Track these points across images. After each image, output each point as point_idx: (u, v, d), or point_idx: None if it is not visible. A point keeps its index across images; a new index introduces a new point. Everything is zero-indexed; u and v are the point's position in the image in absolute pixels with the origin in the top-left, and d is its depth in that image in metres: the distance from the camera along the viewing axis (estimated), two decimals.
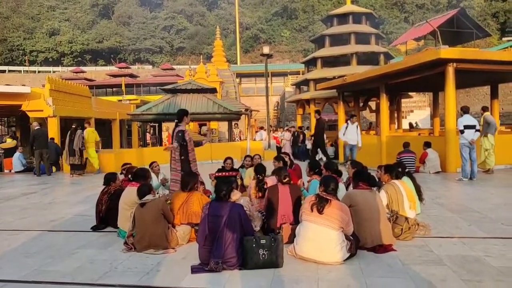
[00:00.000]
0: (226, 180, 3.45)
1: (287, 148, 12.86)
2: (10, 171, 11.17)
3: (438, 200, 5.45)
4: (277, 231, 3.63)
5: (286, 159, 5.39)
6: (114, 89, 37.60)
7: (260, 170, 4.46)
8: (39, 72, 46.50)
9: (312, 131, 14.56)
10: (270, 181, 4.29)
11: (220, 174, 5.57)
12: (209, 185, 5.57)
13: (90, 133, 10.29)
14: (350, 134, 9.46)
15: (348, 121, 9.71)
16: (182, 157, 4.83)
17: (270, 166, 4.92)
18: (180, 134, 4.82)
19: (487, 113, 7.95)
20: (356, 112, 14.23)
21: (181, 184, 4.02)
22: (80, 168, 9.81)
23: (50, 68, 48.14)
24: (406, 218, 3.76)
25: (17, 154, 11.22)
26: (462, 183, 6.95)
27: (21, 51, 51.70)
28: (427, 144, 8.37)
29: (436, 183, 7.09)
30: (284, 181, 3.85)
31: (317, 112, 10.22)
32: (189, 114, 5.11)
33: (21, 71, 47.18)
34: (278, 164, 4.95)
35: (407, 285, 2.68)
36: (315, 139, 10.08)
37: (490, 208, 4.85)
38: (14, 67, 48.57)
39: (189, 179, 3.98)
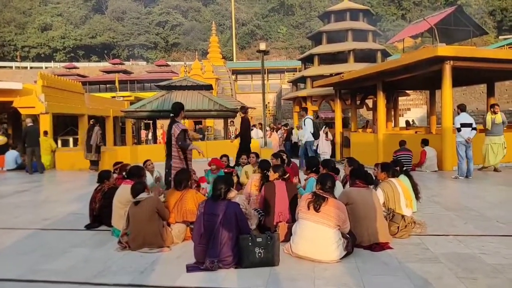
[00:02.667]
0: (224, 178, 3.41)
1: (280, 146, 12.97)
2: (2, 168, 11.01)
3: (434, 198, 5.47)
4: (274, 229, 3.61)
5: (284, 157, 5.38)
6: (107, 85, 37.14)
7: (266, 165, 4.43)
8: (31, 68, 45.78)
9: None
10: (273, 175, 4.27)
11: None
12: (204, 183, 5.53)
13: (44, 142, 10.37)
14: (302, 130, 8.65)
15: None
16: (185, 155, 4.76)
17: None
18: (184, 133, 4.70)
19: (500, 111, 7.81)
20: (353, 110, 14.25)
21: (174, 182, 3.97)
22: (96, 163, 9.78)
23: (42, 64, 47.43)
24: (403, 216, 3.76)
25: (13, 153, 11.06)
26: (458, 181, 6.99)
27: (12, 46, 50.84)
28: (425, 142, 8.37)
29: (433, 181, 7.12)
30: (285, 177, 3.83)
31: (242, 109, 8.51)
32: (184, 109, 4.98)
33: (12, 67, 46.45)
34: (276, 161, 4.94)
35: (404, 283, 2.68)
36: (242, 139, 8.46)
37: (486, 206, 4.88)
38: (5, 62, 47.76)
39: (182, 177, 3.93)
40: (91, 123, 10.01)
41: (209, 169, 5.68)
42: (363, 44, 16.32)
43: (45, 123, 11.27)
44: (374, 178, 4.32)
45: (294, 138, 13.75)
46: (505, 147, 7.62)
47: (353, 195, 3.50)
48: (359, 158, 5.57)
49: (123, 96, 25.45)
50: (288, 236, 3.43)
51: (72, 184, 8.16)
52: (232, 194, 3.32)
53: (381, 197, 3.88)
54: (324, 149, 11.75)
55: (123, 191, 3.90)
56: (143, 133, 20.39)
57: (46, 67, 45.22)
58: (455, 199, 5.56)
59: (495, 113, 7.62)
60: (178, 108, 4.86)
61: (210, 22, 38.92)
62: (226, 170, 5.74)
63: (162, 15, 52.96)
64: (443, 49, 7.87)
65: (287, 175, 3.89)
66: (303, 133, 8.51)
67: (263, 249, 2.99)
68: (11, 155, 11.01)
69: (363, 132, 12.85)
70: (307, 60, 18.29)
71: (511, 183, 6.68)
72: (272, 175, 3.98)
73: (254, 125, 17.66)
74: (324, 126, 12.49)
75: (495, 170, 7.71)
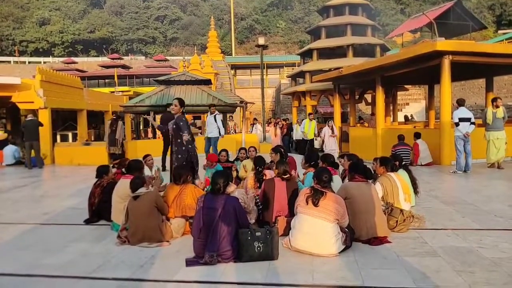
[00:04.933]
0: (222, 172, 3.41)
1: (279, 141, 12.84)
2: (1, 163, 10.99)
3: (433, 192, 5.49)
4: (273, 223, 3.62)
5: (282, 151, 5.38)
6: (106, 80, 36.93)
7: (259, 162, 4.45)
8: (29, 62, 45.47)
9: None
10: (269, 173, 4.29)
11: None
12: (203, 178, 5.53)
13: None
14: (208, 126, 8.79)
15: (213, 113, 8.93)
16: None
17: (266, 158, 4.91)
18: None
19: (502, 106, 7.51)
20: (351, 105, 14.22)
21: (173, 176, 3.97)
22: (120, 157, 9.82)
23: (41, 59, 47.10)
24: (401, 210, 3.77)
25: (12, 148, 11.02)
26: (457, 175, 6.99)
27: (10, 41, 50.45)
28: (417, 135, 8.40)
29: (431, 175, 7.14)
30: (284, 177, 3.81)
31: (168, 105, 8.45)
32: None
33: (10, 61, 46.13)
34: (275, 156, 4.95)
35: (402, 276, 2.70)
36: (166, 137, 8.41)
37: (484, 200, 4.90)
38: (3, 57, 47.43)
39: (181, 172, 3.93)
40: (114, 117, 9.98)
41: (207, 165, 5.67)
42: (362, 38, 16.26)
43: (44, 118, 11.22)
44: (373, 172, 4.33)
45: (296, 136, 13.22)
46: (505, 143, 7.39)
47: (352, 189, 3.51)
48: (358, 152, 5.58)
49: (122, 91, 25.35)
50: (287, 230, 3.44)
51: (71, 179, 8.15)
52: (231, 188, 3.32)
53: (380, 191, 3.89)
54: (331, 146, 10.55)
55: (123, 186, 3.90)
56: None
57: (44, 62, 44.93)
58: (453, 193, 5.58)
59: (497, 107, 7.33)
60: (183, 103, 4.92)
61: (209, 16, 38.63)
62: (225, 165, 5.74)
63: (161, 9, 52.57)
64: (442, 44, 7.84)
65: (287, 175, 3.82)
66: (212, 129, 8.69)
67: (262, 243, 3.00)
68: (10, 150, 10.98)
69: (361, 127, 12.83)
70: (306, 55, 18.24)
71: (509, 177, 6.70)
72: (274, 171, 3.99)
73: (255, 119, 17.65)
74: (329, 120, 11.38)
75: (498, 167, 7.40)
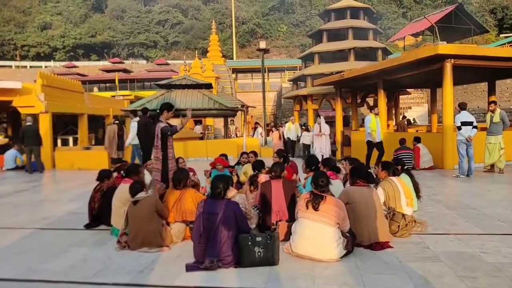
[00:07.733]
0: (222, 177, 3.40)
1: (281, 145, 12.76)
2: (2, 168, 11.00)
3: (435, 196, 5.46)
4: (273, 228, 3.60)
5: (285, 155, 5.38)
6: (107, 84, 37.07)
7: (258, 166, 4.44)
8: (30, 67, 45.72)
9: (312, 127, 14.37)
10: (263, 177, 4.26)
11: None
12: (204, 182, 5.52)
13: None
14: (131, 132, 8.22)
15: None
16: (162, 153, 4.54)
17: (268, 162, 4.90)
18: (164, 132, 4.49)
19: (500, 110, 7.45)
20: (353, 108, 14.21)
21: (173, 181, 3.95)
22: (121, 161, 9.84)
23: (42, 63, 47.36)
24: (403, 215, 3.75)
25: (12, 152, 11.04)
26: (459, 179, 6.96)
27: (12, 45, 50.76)
28: (417, 139, 8.38)
29: (433, 180, 7.10)
30: (275, 175, 3.80)
31: (144, 110, 7.95)
32: (171, 110, 4.70)
33: (12, 66, 46.38)
34: (278, 160, 4.94)
35: (404, 282, 2.67)
36: (141, 144, 7.52)
37: (487, 205, 4.87)
38: (4, 62, 47.69)
39: (181, 176, 3.91)
40: (117, 122, 10.09)
41: (211, 170, 5.64)
42: (363, 42, 16.30)
43: (45, 123, 11.24)
44: (374, 177, 4.31)
45: (288, 134, 12.77)
46: (501, 148, 7.25)
47: (354, 194, 3.49)
48: (360, 157, 5.56)
49: (123, 95, 25.40)
50: (288, 235, 3.42)
51: (72, 183, 8.15)
52: (232, 193, 3.30)
53: (382, 196, 3.86)
54: (322, 148, 9.43)
55: (122, 191, 3.89)
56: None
57: (45, 66, 45.20)
58: (456, 198, 5.55)
59: (491, 111, 7.35)
60: (162, 108, 4.71)
61: (210, 20, 38.85)
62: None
63: (162, 13, 52.89)
64: (444, 47, 7.85)
65: (277, 173, 3.82)
66: (134, 134, 7.99)
67: (262, 248, 2.97)
68: (11, 155, 11.00)
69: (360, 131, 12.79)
70: (308, 59, 18.29)
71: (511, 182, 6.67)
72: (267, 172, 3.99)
73: (257, 123, 17.66)
74: (318, 117, 10.03)
75: (500, 171, 7.32)
